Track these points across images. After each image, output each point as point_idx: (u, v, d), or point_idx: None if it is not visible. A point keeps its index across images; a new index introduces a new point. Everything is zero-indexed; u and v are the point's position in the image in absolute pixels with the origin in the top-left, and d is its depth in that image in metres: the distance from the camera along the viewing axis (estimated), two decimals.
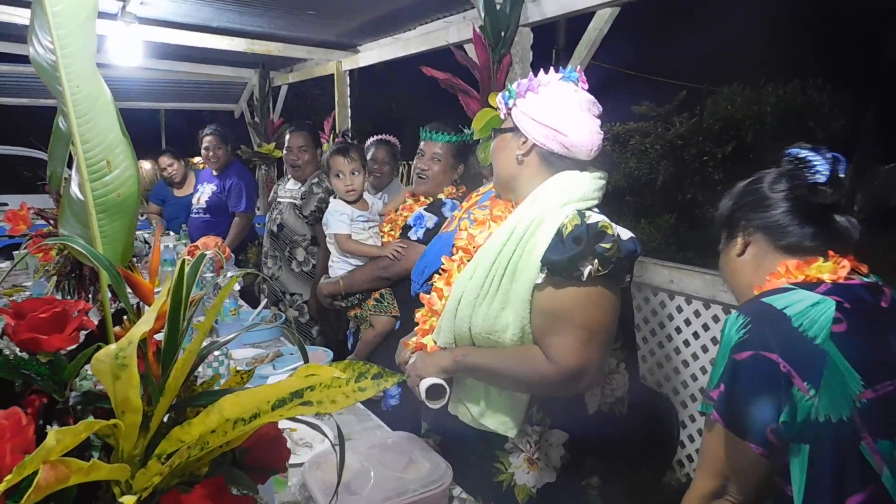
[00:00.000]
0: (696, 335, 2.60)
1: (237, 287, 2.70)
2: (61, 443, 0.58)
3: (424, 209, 2.30)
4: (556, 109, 1.44)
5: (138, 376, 0.67)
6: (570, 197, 1.41)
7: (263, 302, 2.58)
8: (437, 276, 1.62)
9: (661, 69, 13.65)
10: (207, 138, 4.35)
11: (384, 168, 3.07)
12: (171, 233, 4.59)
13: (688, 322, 2.62)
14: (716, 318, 2.50)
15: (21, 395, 0.73)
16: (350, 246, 2.45)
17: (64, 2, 0.71)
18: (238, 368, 1.97)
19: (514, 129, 1.49)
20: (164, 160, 4.91)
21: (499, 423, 1.45)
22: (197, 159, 10.31)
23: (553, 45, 9.51)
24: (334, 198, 2.58)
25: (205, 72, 5.93)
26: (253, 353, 2.14)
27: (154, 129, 10.48)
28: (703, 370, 2.57)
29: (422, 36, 3.99)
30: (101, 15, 3.88)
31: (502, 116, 1.54)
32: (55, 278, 2.51)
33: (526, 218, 1.40)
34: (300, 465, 1.43)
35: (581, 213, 1.36)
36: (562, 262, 1.31)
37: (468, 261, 1.51)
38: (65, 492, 0.63)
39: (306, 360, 0.88)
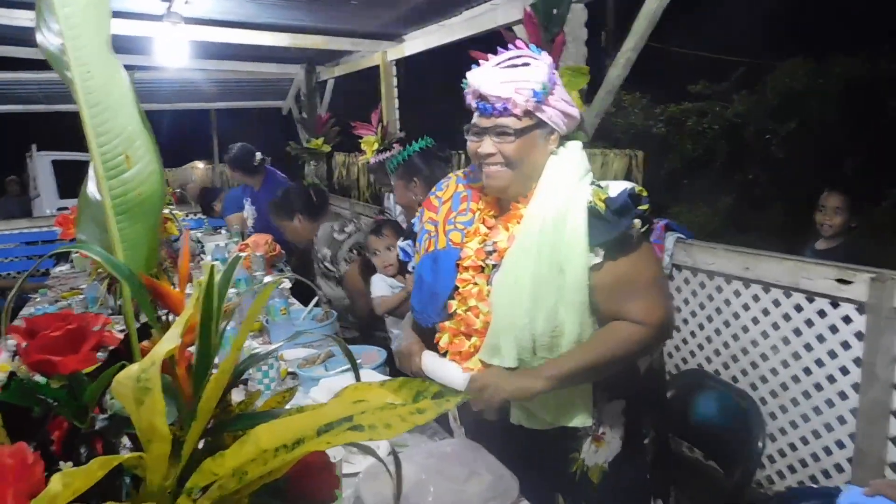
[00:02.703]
0: (775, 326, 2.40)
1: (288, 284, 2.64)
2: (70, 487, 0.50)
3: (401, 240, 2.11)
4: (566, 94, 1.45)
5: (163, 401, 0.59)
6: (579, 173, 1.43)
7: (314, 300, 2.51)
8: (455, 299, 1.51)
9: (716, 45, 13.08)
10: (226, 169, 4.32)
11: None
12: (224, 230, 4.60)
13: (766, 312, 2.43)
14: (798, 308, 2.30)
15: (42, 421, 0.65)
16: (389, 303, 2.64)
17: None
18: (289, 370, 1.90)
19: (542, 125, 1.42)
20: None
21: (575, 418, 1.44)
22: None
23: (599, 23, 9.22)
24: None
25: (252, 69, 5.95)
26: (304, 353, 2.08)
27: (205, 129, 10.64)
28: (785, 364, 2.38)
29: (468, 20, 3.86)
30: (147, 16, 3.89)
31: (519, 112, 1.39)
32: (107, 281, 2.51)
33: (551, 208, 1.39)
34: (355, 475, 1.34)
35: (598, 185, 1.42)
36: (617, 239, 1.35)
37: (490, 272, 1.47)
38: None
39: (358, 378, 0.79)
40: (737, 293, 2.56)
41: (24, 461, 0.51)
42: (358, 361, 1.92)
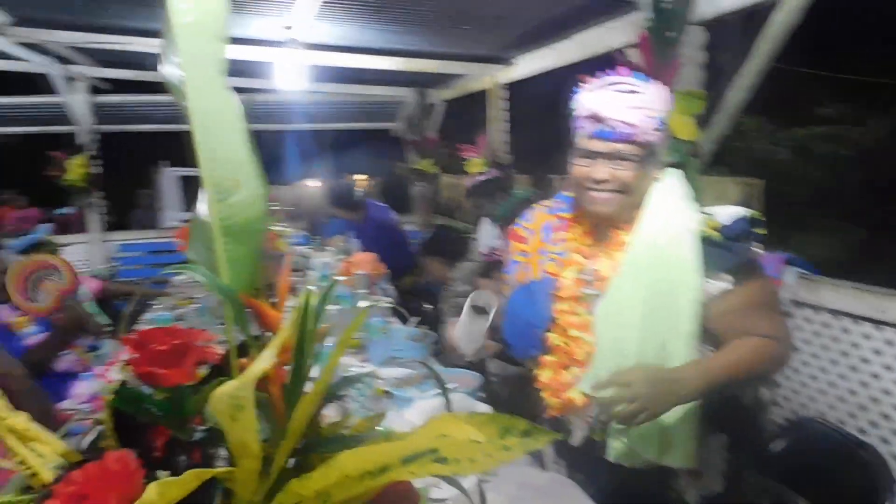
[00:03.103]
0: None
1: (389, 303, 2.70)
2: (165, 496, 0.52)
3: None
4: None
5: (255, 419, 0.61)
6: (684, 200, 1.40)
7: (413, 321, 2.54)
8: (553, 331, 1.47)
9: (847, 64, 12.17)
10: None
11: None
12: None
13: None
14: None
15: (147, 428, 0.69)
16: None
17: (193, 14, 0.66)
18: (385, 389, 1.92)
19: (655, 152, 1.40)
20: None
21: (681, 456, 1.37)
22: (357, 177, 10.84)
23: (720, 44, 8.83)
24: None
25: (363, 92, 6.17)
26: (401, 372, 2.10)
27: (318, 149, 11.13)
28: None
29: (580, 44, 3.83)
30: (269, 42, 4.14)
31: (641, 139, 1.35)
32: None
33: (658, 236, 1.36)
34: (442, 501, 1.33)
35: (708, 212, 1.39)
36: (738, 265, 1.33)
37: (590, 301, 1.43)
38: None
39: (448, 406, 0.78)
40: (867, 336, 2.34)
41: (128, 468, 0.54)
42: (453, 386, 1.92)
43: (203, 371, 0.69)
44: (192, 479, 0.54)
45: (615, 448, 1.40)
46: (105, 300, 4.22)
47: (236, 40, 4.31)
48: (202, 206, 0.70)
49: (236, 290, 0.66)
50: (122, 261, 6.61)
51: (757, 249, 1.38)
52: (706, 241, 1.33)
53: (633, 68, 2.85)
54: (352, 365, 2.14)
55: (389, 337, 2.39)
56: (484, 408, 1.77)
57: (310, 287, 0.76)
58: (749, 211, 1.38)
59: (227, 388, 0.58)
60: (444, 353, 3.02)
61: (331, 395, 0.72)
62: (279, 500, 0.62)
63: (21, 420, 0.63)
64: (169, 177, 9.88)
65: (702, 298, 1.33)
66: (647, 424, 1.30)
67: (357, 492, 0.63)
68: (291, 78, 4.33)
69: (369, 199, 4.67)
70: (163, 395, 0.64)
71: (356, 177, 10.87)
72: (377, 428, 0.79)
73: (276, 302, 0.75)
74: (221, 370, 0.71)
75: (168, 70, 0.68)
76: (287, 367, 0.70)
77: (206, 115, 0.66)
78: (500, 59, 4.82)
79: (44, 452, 0.63)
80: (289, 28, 3.96)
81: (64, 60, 5.55)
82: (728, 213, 1.38)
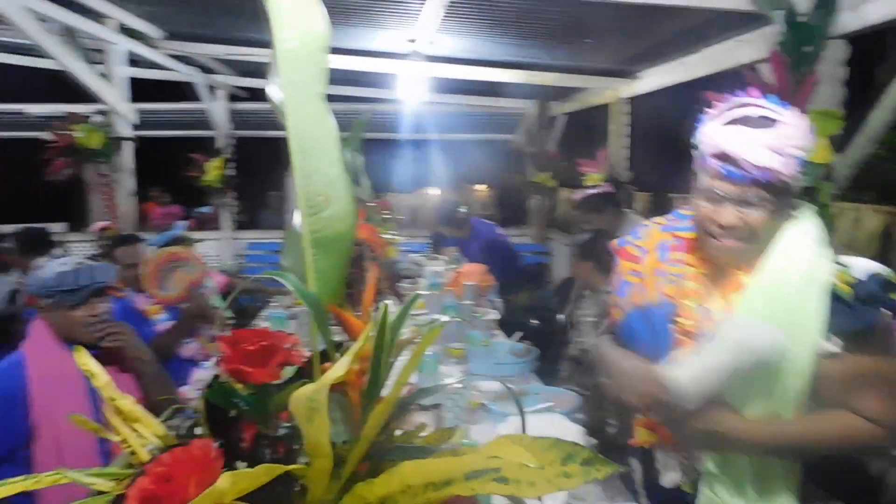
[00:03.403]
0: None
1: (494, 316, 2.71)
2: (237, 486, 0.57)
3: None
4: None
5: (328, 422, 0.64)
6: (817, 246, 1.24)
7: (517, 335, 2.55)
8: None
9: None
10: None
11: None
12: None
13: None
14: None
15: (235, 421, 0.75)
16: None
17: (296, 41, 0.71)
18: (482, 402, 1.94)
19: (791, 191, 1.23)
20: None
21: None
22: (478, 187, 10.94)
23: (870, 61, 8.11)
24: None
25: (484, 103, 6.25)
26: (499, 387, 2.11)
27: (437, 158, 11.35)
28: None
29: (707, 58, 3.67)
30: (392, 55, 4.31)
31: (777, 182, 1.19)
32: None
33: (781, 284, 1.22)
34: None
35: (843, 264, 1.22)
36: (861, 330, 1.19)
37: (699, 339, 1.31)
38: None
39: (524, 428, 0.79)
40: None
41: (208, 455, 0.59)
42: (548, 405, 1.89)
43: (289, 372, 0.74)
44: (262, 472, 0.58)
45: (706, 493, 1.32)
46: (229, 295, 4.54)
47: (361, 52, 4.53)
48: (296, 219, 0.75)
49: (321, 298, 0.71)
50: (249, 258, 7.10)
51: (886, 315, 1.20)
52: (834, 298, 1.18)
53: (765, 89, 2.71)
54: (452, 376, 2.17)
55: (491, 350, 2.41)
56: (576, 429, 1.74)
57: (419, 293, 0.79)
58: (888, 271, 1.21)
59: (305, 391, 0.62)
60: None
61: (406, 404, 0.75)
62: (346, 501, 0.65)
63: (128, 402, 0.71)
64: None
65: (815, 357, 1.20)
66: (741, 476, 1.26)
67: (420, 501, 0.65)
68: (414, 89, 4.48)
69: (475, 217, 4.73)
70: (249, 392, 0.69)
71: (475, 186, 10.98)
72: (463, 441, 0.81)
73: (360, 312, 0.79)
74: (305, 373, 0.76)
75: (271, 90, 0.73)
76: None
77: (303, 135, 0.71)
78: (624, 73, 4.72)
79: (144, 434, 0.70)
80: (412, 41, 4.10)
81: (207, 70, 6.06)
82: (863, 267, 1.21)
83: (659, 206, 4.74)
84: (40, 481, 0.69)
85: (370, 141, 6.00)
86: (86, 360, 0.72)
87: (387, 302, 0.70)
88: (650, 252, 1.45)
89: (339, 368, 0.63)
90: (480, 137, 7.92)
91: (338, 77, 5.37)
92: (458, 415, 1.76)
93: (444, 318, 2.34)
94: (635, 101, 4.86)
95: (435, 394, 0.90)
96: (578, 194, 3.36)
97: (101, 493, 0.67)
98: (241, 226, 7.41)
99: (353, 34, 4.17)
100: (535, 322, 3.62)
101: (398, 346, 0.73)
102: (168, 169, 6.58)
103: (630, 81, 4.72)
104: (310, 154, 0.71)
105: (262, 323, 3.30)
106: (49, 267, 2.11)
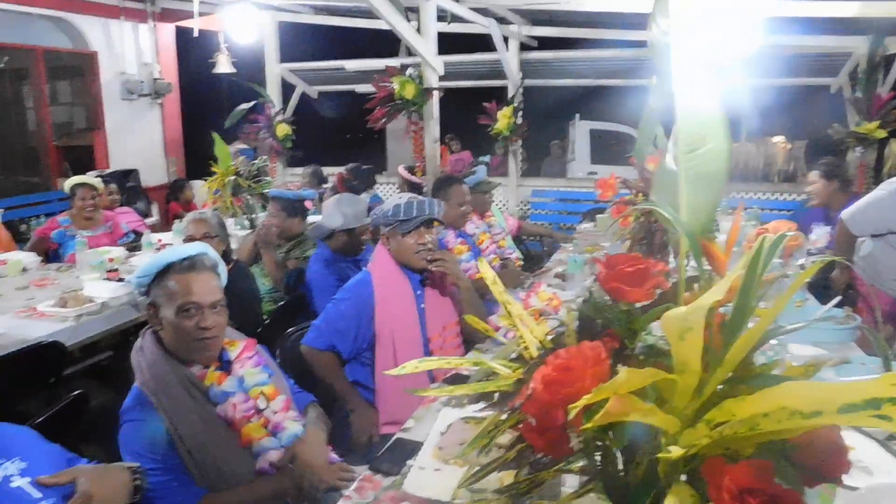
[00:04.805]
0: None
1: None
2: (629, 381, 0.66)
3: None
4: None
5: (701, 341, 0.70)
6: None
7: (836, 299, 2.32)
8: None
9: None
10: None
11: None
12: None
13: None
14: None
15: (598, 334, 0.85)
16: None
17: None
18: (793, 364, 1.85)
19: None
20: None
21: None
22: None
23: None
24: None
25: (804, 44, 5.55)
26: (813, 352, 1.97)
27: (757, 107, 10.35)
28: None
29: None
30: None
31: None
32: (629, 242, 2.81)
33: None
34: (854, 489, 1.26)
35: None
36: None
37: None
38: (623, 426, 0.71)
39: (888, 369, 0.76)
40: None
41: (600, 355, 0.70)
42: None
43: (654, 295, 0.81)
44: (651, 374, 0.66)
45: None
46: (519, 238, 4.82)
47: None
48: (669, 158, 0.81)
49: (694, 230, 0.76)
50: (533, 205, 7.39)
51: None
52: None
53: None
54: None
55: (805, 312, 2.24)
56: None
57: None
58: None
59: (680, 311, 0.69)
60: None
61: (769, 337, 0.78)
62: (712, 415, 0.71)
63: (517, 307, 0.85)
64: (580, 130, 10.46)
65: None
66: None
67: (783, 427, 0.68)
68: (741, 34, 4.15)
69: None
70: (621, 309, 0.78)
71: (774, 139, 9.91)
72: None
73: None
74: (667, 298, 0.82)
75: (654, 34, 0.79)
76: (724, 309, 0.78)
77: (687, 75, 0.76)
78: None
79: (529, 335, 0.84)
80: None
81: (502, 21, 6.31)
82: None
83: None
84: (450, 363, 0.86)
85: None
86: (485, 267, 0.87)
87: (765, 235, 0.73)
88: None
89: (717, 292, 0.68)
90: (793, 83, 7.09)
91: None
92: None
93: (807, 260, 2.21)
94: None
95: (780, 333, 0.89)
96: None
97: (493, 374, 0.83)
98: (526, 173, 7.72)
99: None
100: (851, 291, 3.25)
101: (766, 281, 0.76)
102: (460, 116, 7.07)
103: None
104: (691, 94, 0.76)
105: (556, 268, 3.46)
106: (388, 200, 2.50)
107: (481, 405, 0.84)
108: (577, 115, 10.49)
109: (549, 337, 0.90)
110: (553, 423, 0.68)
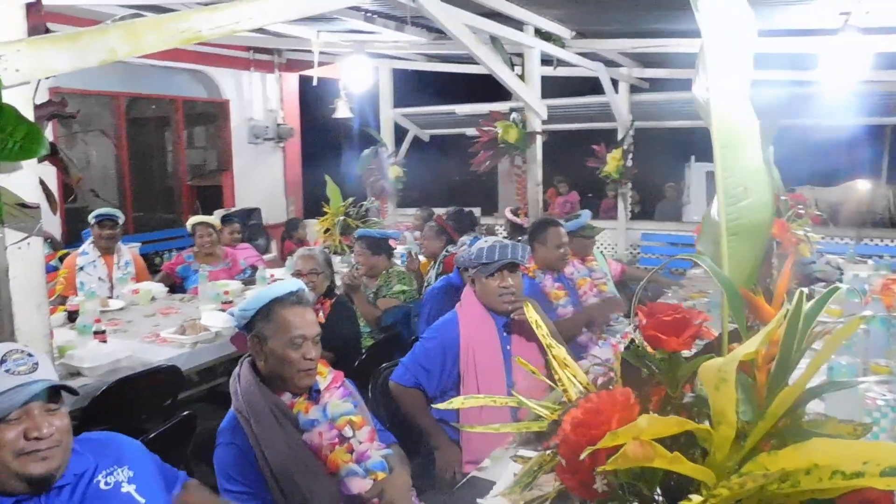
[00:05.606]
0: None
1: None
2: (651, 428, 0.67)
3: None
4: None
5: (734, 392, 0.70)
6: None
7: None
8: None
9: None
10: None
11: None
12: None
13: None
14: None
15: (645, 381, 0.86)
16: None
17: (723, 41, 0.78)
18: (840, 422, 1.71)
19: None
20: None
21: None
22: None
23: None
24: None
25: None
26: None
27: (874, 147, 9.62)
28: None
29: None
30: (818, 32, 3.86)
31: None
32: None
33: None
34: None
35: None
36: None
37: None
38: (653, 472, 0.72)
39: None
40: None
41: (628, 400, 0.71)
42: None
43: (698, 346, 0.82)
44: (674, 423, 0.67)
45: None
46: (623, 283, 4.71)
47: (785, 32, 4.19)
48: (714, 208, 0.82)
49: (735, 282, 0.77)
50: (643, 249, 7.20)
51: None
52: None
53: None
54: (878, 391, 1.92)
55: None
56: None
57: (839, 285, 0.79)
58: None
59: (715, 362, 0.70)
60: None
61: (815, 394, 0.76)
62: (748, 468, 0.70)
63: (562, 351, 0.87)
64: (696, 171, 10.12)
65: None
66: None
67: (822, 486, 0.66)
68: (844, 67, 3.94)
69: None
70: (661, 357, 0.79)
71: None
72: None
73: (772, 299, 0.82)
74: (712, 348, 0.82)
75: (698, 89, 0.81)
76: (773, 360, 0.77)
77: (727, 129, 0.77)
78: None
79: (572, 379, 0.86)
80: (846, 14, 3.64)
81: (610, 64, 6.30)
82: None
83: None
84: (496, 401, 0.90)
85: (787, 128, 5.47)
86: (531, 311, 0.91)
87: (803, 289, 0.72)
88: None
89: (750, 345, 0.68)
90: None
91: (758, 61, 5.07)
92: (881, 424, 1.57)
93: (867, 313, 2.07)
94: None
95: (846, 388, 0.84)
96: None
97: (539, 417, 0.86)
98: (637, 216, 7.55)
99: (776, 14, 3.88)
100: None
101: (811, 336, 0.75)
102: (568, 158, 7.06)
103: None
104: (731, 149, 0.77)
105: None
106: (477, 243, 2.56)
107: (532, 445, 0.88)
108: (693, 157, 10.17)
109: (600, 381, 0.92)
110: (581, 464, 0.70)
